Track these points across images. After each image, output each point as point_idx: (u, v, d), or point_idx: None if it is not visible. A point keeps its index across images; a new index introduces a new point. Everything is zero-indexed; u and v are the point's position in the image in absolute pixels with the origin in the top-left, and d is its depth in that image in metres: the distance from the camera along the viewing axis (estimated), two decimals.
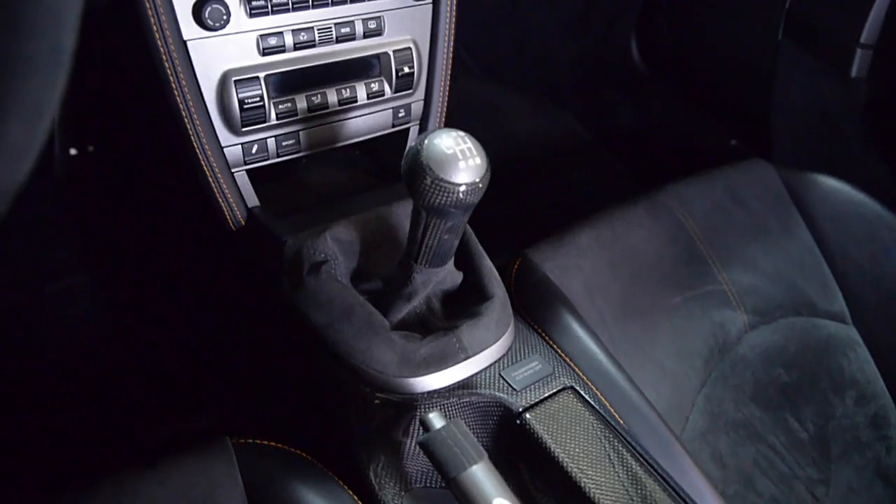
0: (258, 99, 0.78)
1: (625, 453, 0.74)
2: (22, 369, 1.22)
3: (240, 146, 0.81)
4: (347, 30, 0.82)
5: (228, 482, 0.69)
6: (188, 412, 1.18)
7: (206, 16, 0.72)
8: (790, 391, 1.12)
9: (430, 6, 0.88)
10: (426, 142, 0.62)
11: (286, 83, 0.81)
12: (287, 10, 0.77)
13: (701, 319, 1.10)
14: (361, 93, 0.86)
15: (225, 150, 0.81)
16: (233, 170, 0.83)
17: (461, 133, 0.64)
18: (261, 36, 0.77)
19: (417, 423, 0.73)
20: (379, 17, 0.84)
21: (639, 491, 0.71)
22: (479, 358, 0.75)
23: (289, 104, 0.81)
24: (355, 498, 0.72)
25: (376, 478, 0.75)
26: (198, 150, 0.79)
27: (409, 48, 0.88)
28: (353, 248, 0.81)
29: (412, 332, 0.75)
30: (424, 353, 0.72)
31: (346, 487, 0.72)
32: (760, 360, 1.12)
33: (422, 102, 0.94)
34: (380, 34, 0.85)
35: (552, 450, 0.72)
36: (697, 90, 1.77)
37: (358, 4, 0.82)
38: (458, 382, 0.74)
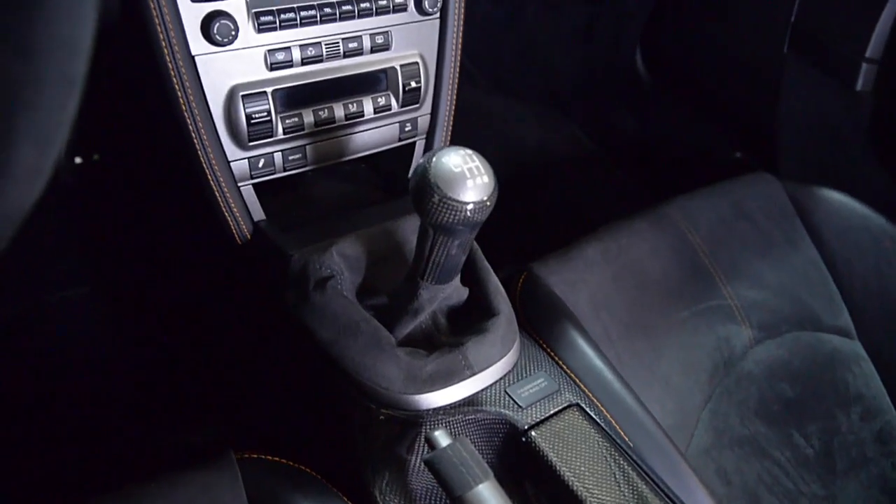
0: (265, 114, 0.78)
1: (630, 472, 0.73)
2: (24, 379, 1.22)
3: (246, 160, 0.81)
4: (355, 45, 0.82)
5: (232, 497, 0.69)
6: (192, 425, 1.18)
7: (215, 31, 0.72)
8: (795, 406, 1.11)
9: (438, 21, 0.89)
10: (434, 160, 0.62)
11: (293, 98, 0.81)
12: (295, 26, 0.77)
13: (706, 334, 1.09)
14: (368, 107, 0.86)
15: (231, 164, 0.81)
16: (239, 184, 0.83)
17: (469, 151, 0.64)
18: (269, 51, 0.77)
19: (423, 440, 0.72)
20: (386, 31, 0.84)
21: None
22: (485, 375, 0.75)
23: (296, 119, 0.81)
24: None
25: (381, 495, 0.74)
26: (204, 165, 0.79)
27: (416, 63, 0.88)
28: (359, 264, 0.81)
29: (418, 349, 0.74)
30: (430, 370, 0.72)
31: None
32: (765, 376, 1.12)
33: (428, 116, 0.94)
34: (387, 49, 0.85)
35: (557, 468, 0.72)
36: (702, 102, 1.77)
37: (366, 20, 0.82)
38: (464, 399, 0.74)
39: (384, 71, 0.86)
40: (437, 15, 0.88)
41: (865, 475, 1.10)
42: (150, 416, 1.20)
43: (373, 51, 0.84)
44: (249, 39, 0.76)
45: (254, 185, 0.84)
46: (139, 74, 0.82)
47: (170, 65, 0.73)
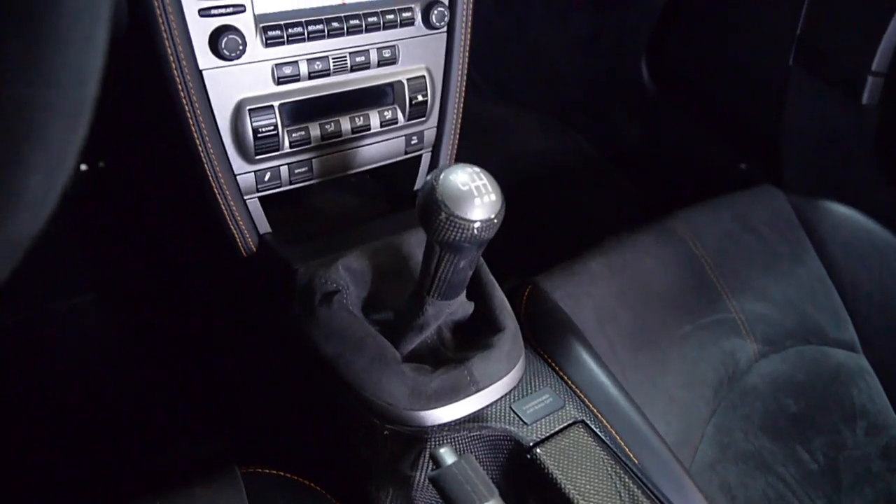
0: (272, 127, 0.78)
1: (635, 490, 0.73)
2: (28, 387, 1.22)
3: (253, 174, 0.81)
4: (362, 59, 0.82)
5: None
6: (196, 437, 1.18)
7: (223, 46, 0.72)
8: (800, 421, 1.11)
9: (445, 35, 0.89)
10: (441, 178, 0.62)
11: (300, 111, 0.81)
12: (302, 40, 0.77)
13: (710, 348, 1.09)
14: (375, 121, 0.86)
15: (238, 177, 0.81)
16: (245, 197, 0.83)
17: (476, 169, 0.64)
18: (276, 65, 0.77)
19: (427, 456, 0.72)
20: (393, 45, 0.84)
21: None
22: (490, 391, 0.75)
23: (302, 132, 0.81)
24: None
25: None
26: (210, 178, 0.79)
27: (423, 76, 0.88)
28: (365, 278, 0.81)
29: (423, 365, 0.74)
30: (435, 387, 0.72)
31: None
32: (770, 390, 1.12)
33: (434, 130, 0.94)
34: (394, 63, 0.85)
35: (562, 486, 0.71)
36: (707, 112, 1.77)
37: (373, 34, 0.82)
38: (469, 415, 0.74)
39: (391, 84, 0.86)
40: (444, 29, 0.88)
41: (871, 491, 1.09)
42: (154, 427, 1.20)
43: (380, 64, 0.84)
44: (257, 54, 0.76)
45: (260, 198, 0.84)
46: (146, 85, 0.82)
47: (177, 78, 0.73)
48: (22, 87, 0.35)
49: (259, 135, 0.78)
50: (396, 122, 0.88)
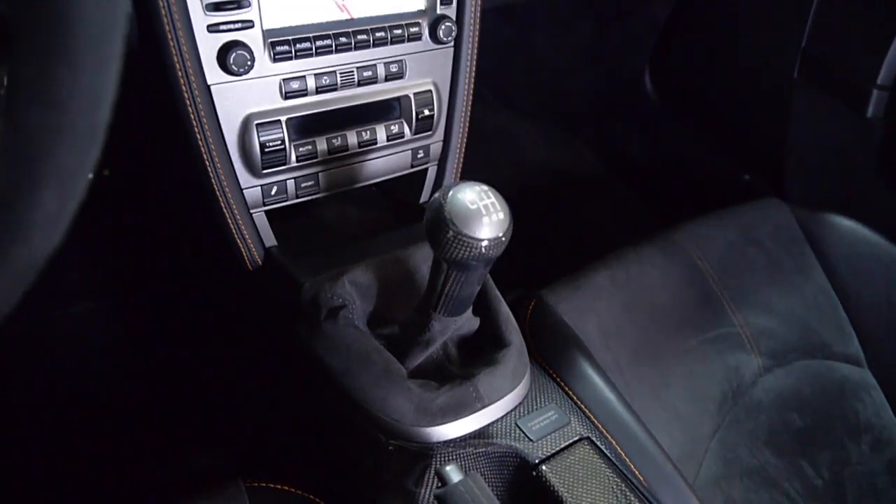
0: (279, 142, 0.78)
1: None
2: (29, 396, 1.22)
3: (259, 188, 0.81)
4: (369, 73, 0.83)
5: None
6: (200, 449, 1.17)
7: (231, 62, 0.72)
8: (805, 436, 1.11)
9: (452, 49, 0.89)
10: (449, 195, 0.62)
11: (307, 126, 0.81)
12: (310, 55, 0.78)
13: (715, 363, 1.09)
14: (381, 135, 0.86)
15: (244, 191, 0.81)
16: (251, 211, 0.83)
17: (484, 187, 0.64)
18: (283, 80, 0.77)
19: (433, 472, 0.72)
20: (401, 60, 0.85)
21: None
22: (496, 407, 0.75)
23: (309, 147, 0.81)
24: None
25: None
26: (217, 192, 0.79)
27: (430, 91, 0.88)
28: (371, 292, 0.80)
29: (429, 381, 0.74)
30: (441, 403, 0.72)
31: None
32: (775, 405, 1.11)
33: (441, 143, 0.94)
34: (401, 77, 0.86)
35: (568, 503, 0.71)
36: (711, 123, 1.77)
37: (380, 48, 0.82)
38: (475, 432, 0.74)
39: (398, 99, 0.86)
40: (451, 44, 0.88)
41: None
42: (157, 438, 1.20)
43: (387, 79, 0.84)
44: (265, 69, 0.76)
45: (266, 211, 0.84)
46: (154, 98, 0.82)
47: (185, 93, 0.73)
48: (37, 111, 0.35)
49: (266, 149, 0.78)
50: (403, 136, 0.88)
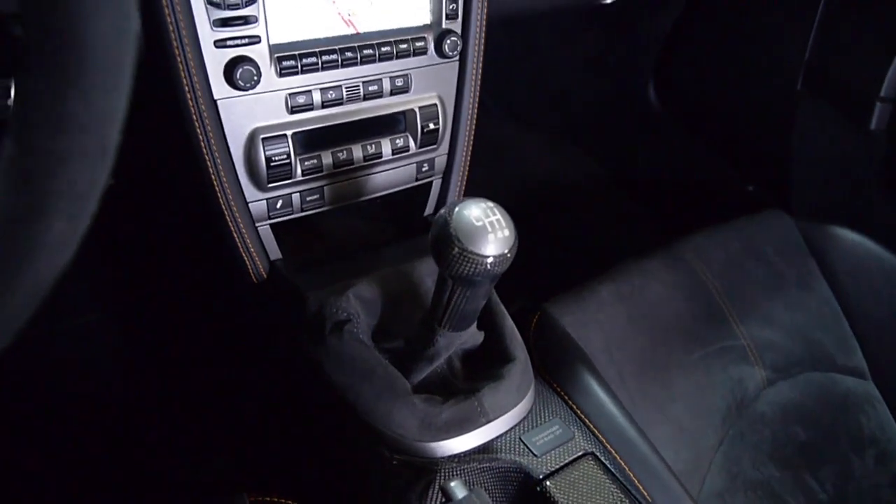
0: (285, 156, 0.79)
1: None
2: (35, 406, 1.22)
3: (265, 201, 0.82)
4: (375, 87, 0.83)
5: None
6: (204, 461, 1.17)
7: (238, 77, 0.72)
8: (809, 450, 1.11)
9: (457, 64, 0.89)
10: (455, 212, 0.62)
11: (312, 140, 0.81)
12: (316, 70, 0.78)
13: (719, 376, 1.09)
14: (386, 148, 0.86)
15: (250, 205, 0.81)
16: (257, 224, 0.83)
17: (490, 204, 0.64)
18: (290, 94, 0.78)
19: (437, 487, 0.72)
20: (406, 74, 0.85)
21: None
22: (500, 422, 0.75)
23: (314, 160, 0.81)
24: None
25: None
26: (223, 205, 0.79)
27: (435, 104, 0.88)
28: (375, 306, 0.81)
29: (433, 395, 0.74)
30: (446, 418, 0.72)
31: None
32: (779, 418, 1.11)
33: (445, 157, 0.94)
34: (406, 91, 0.86)
35: None
36: (715, 134, 1.78)
37: (386, 63, 0.83)
38: (479, 447, 0.73)
39: (403, 113, 0.87)
40: (457, 58, 0.88)
41: None
42: (161, 450, 1.20)
43: (392, 93, 0.85)
44: (271, 83, 0.76)
45: (271, 224, 0.84)
46: (160, 111, 0.83)
47: (192, 108, 0.73)
48: (49, 133, 0.36)
49: (272, 163, 0.78)
50: (408, 150, 0.88)
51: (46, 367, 1.25)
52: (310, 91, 0.79)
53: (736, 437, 1.07)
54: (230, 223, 0.80)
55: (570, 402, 0.86)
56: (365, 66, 0.81)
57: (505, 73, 1.86)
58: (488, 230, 0.62)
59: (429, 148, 0.90)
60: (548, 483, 0.73)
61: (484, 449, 0.74)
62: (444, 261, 0.63)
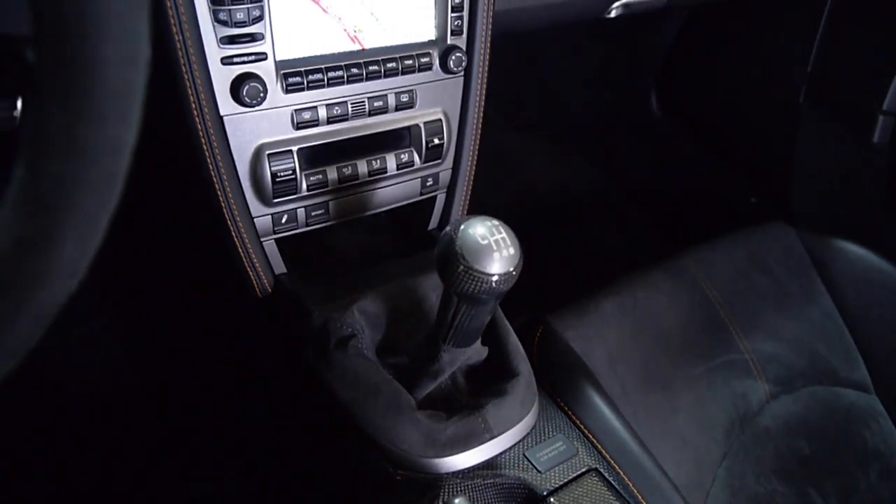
0: (290, 171, 0.79)
1: None
2: (35, 417, 1.22)
3: (270, 216, 0.82)
4: (380, 103, 0.83)
5: None
6: (207, 478, 1.17)
7: (244, 94, 0.72)
8: (812, 464, 1.10)
9: (462, 79, 0.89)
10: (461, 230, 0.63)
11: (318, 155, 0.81)
12: (322, 86, 0.78)
13: (722, 390, 1.09)
14: (391, 163, 0.87)
15: (255, 219, 0.81)
16: (262, 239, 0.83)
17: (495, 222, 0.64)
18: (295, 111, 0.78)
19: (441, 503, 0.72)
20: (411, 90, 0.85)
21: None
22: (504, 438, 0.75)
23: (320, 176, 0.82)
24: None
25: None
26: (228, 220, 0.80)
27: (440, 119, 0.89)
28: (380, 321, 0.81)
29: (438, 411, 0.74)
30: (450, 434, 0.72)
31: None
32: (782, 432, 1.11)
33: (450, 171, 0.94)
34: (411, 107, 0.86)
35: None
36: (718, 145, 1.78)
37: (391, 79, 0.83)
38: (483, 463, 0.74)
39: (408, 128, 0.87)
40: (462, 73, 0.89)
41: None
42: (163, 466, 1.20)
43: (397, 109, 0.85)
44: (277, 100, 0.76)
45: (276, 239, 0.85)
46: (166, 127, 0.83)
47: (198, 125, 0.73)
48: (61, 161, 0.36)
49: (277, 179, 0.78)
50: (413, 165, 0.88)
51: (50, 375, 1.25)
52: (315, 107, 0.79)
53: (739, 451, 1.06)
54: (235, 238, 0.81)
55: (574, 418, 0.86)
56: (370, 82, 0.82)
57: (509, 84, 1.87)
58: (493, 249, 0.62)
59: (433, 163, 0.91)
60: (552, 500, 0.73)
61: (488, 465, 0.74)
62: (450, 279, 0.63)
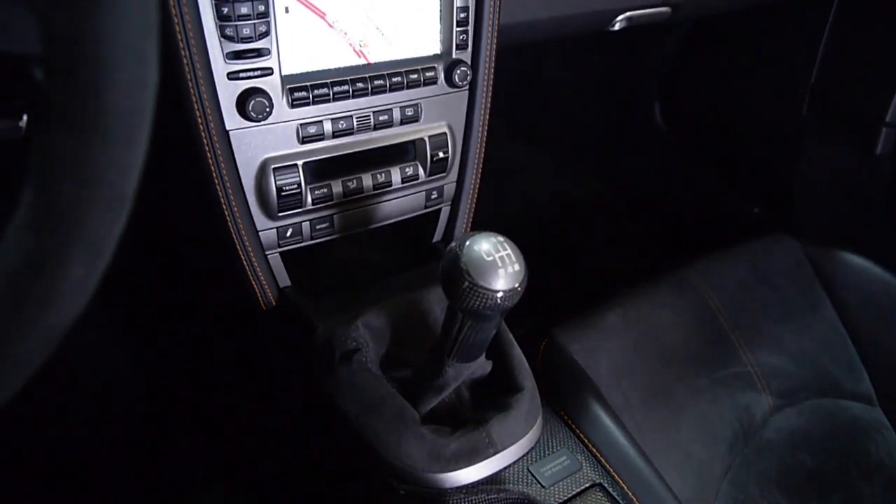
0: (295, 185, 0.79)
1: None
2: (39, 425, 1.22)
3: (275, 230, 0.82)
4: (385, 117, 0.83)
5: None
6: (208, 485, 1.17)
7: (250, 108, 0.73)
8: (816, 477, 1.10)
9: (467, 93, 0.90)
10: (465, 246, 0.63)
11: (323, 169, 0.82)
12: (328, 101, 0.79)
13: (726, 403, 1.09)
14: (396, 177, 0.87)
15: (260, 233, 0.81)
16: (266, 252, 0.83)
17: (500, 238, 0.64)
18: (301, 125, 0.78)
19: None
20: (416, 104, 0.86)
21: None
22: (508, 452, 0.75)
23: (325, 189, 0.82)
24: None
25: None
26: (233, 234, 0.80)
27: (445, 133, 0.89)
28: (384, 335, 0.81)
29: (442, 426, 0.74)
30: (454, 449, 0.72)
31: None
32: (786, 445, 1.11)
33: (454, 184, 0.94)
34: (416, 121, 0.86)
35: None
36: (721, 157, 1.78)
37: (396, 93, 0.83)
38: (487, 478, 0.73)
39: (412, 142, 0.87)
40: (467, 87, 0.89)
41: None
42: (166, 475, 1.20)
43: (402, 122, 0.85)
44: (283, 114, 0.77)
45: (280, 252, 0.85)
46: (171, 140, 0.83)
47: (204, 140, 0.74)
48: (70, 184, 0.36)
49: (283, 193, 0.79)
50: (417, 178, 0.89)
51: (52, 383, 1.25)
52: (321, 121, 0.79)
53: (743, 464, 1.06)
54: (240, 251, 0.81)
55: (578, 432, 0.86)
56: (375, 97, 0.82)
57: (512, 95, 1.87)
58: (498, 265, 0.62)
59: (438, 176, 0.91)
60: None
61: (492, 480, 0.74)
62: (455, 294, 0.63)
